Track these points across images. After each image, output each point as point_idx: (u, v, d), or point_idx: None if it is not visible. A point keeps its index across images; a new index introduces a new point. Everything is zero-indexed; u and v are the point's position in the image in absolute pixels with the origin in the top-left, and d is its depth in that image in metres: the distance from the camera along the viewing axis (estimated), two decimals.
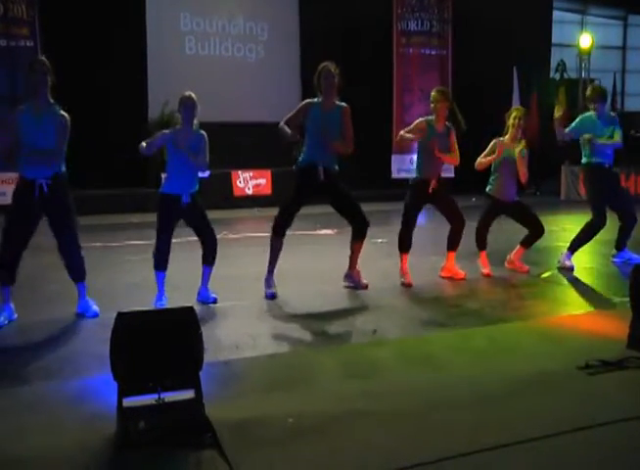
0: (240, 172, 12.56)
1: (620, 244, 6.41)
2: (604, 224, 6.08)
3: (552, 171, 13.73)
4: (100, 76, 11.42)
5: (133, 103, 12.07)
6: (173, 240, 4.90)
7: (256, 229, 8.94)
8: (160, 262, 4.85)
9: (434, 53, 14.39)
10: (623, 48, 20.10)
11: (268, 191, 12.58)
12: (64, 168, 4.58)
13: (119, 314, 2.72)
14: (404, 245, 5.69)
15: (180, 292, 5.02)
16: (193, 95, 4.87)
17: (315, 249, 7.50)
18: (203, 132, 4.93)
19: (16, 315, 4.58)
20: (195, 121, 4.89)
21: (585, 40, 15.76)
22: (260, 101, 13.24)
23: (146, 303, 4.69)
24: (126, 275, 6.04)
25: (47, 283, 5.73)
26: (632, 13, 19.49)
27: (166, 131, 4.89)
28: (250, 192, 12.66)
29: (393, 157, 13.89)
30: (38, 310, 4.83)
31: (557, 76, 16.58)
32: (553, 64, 16.73)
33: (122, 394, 2.64)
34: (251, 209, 12.08)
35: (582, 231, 6.18)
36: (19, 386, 3.37)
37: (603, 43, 18.13)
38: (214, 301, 5.00)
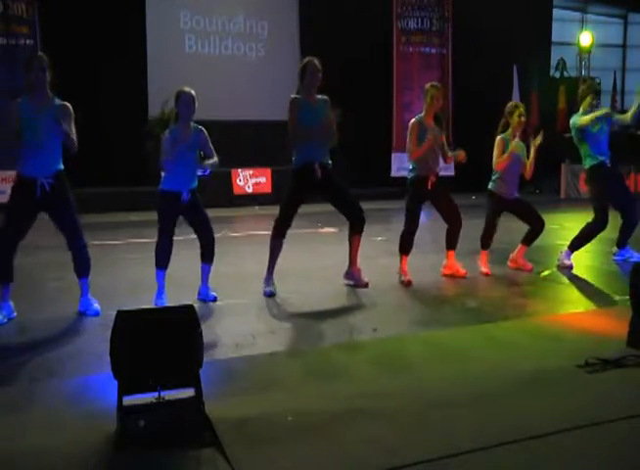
0: (240, 171, 12.56)
1: (622, 242, 6.40)
2: (605, 225, 6.06)
3: (552, 170, 13.74)
4: (100, 75, 11.42)
5: (133, 101, 12.06)
6: (175, 238, 4.90)
7: (256, 227, 8.95)
8: (162, 260, 4.84)
9: (434, 51, 14.39)
10: (624, 46, 20.08)
11: (268, 189, 12.58)
12: (62, 165, 4.56)
13: (119, 313, 2.72)
14: (405, 247, 5.67)
15: (180, 290, 5.02)
16: (191, 90, 4.81)
17: (317, 247, 7.50)
18: (201, 127, 4.92)
19: (15, 314, 4.58)
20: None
21: (585, 38, 15.75)
22: (260, 99, 13.24)
23: (146, 301, 4.70)
24: (126, 273, 6.05)
25: (47, 281, 5.73)
26: (632, 11, 19.46)
27: (166, 133, 4.83)
28: (250, 190, 12.66)
29: (393, 155, 13.90)
30: (38, 309, 4.83)
31: (557, 75, 16.57)
32: (553, 62, 16.71)
33: (122, 392, 2.64)
34: (252, 207, 12.09)
35: (583, 231, 6.17)
36: (18, 384, 3.37)
37: (603, 41, 18.11)
38: (214, 299, 5.00)
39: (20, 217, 4.46)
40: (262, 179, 12.66)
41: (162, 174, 4.85)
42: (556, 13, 17.18)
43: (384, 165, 13.81)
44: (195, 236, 5.05)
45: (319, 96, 5.24)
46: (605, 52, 18.46)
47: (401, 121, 13.97)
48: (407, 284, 5.54)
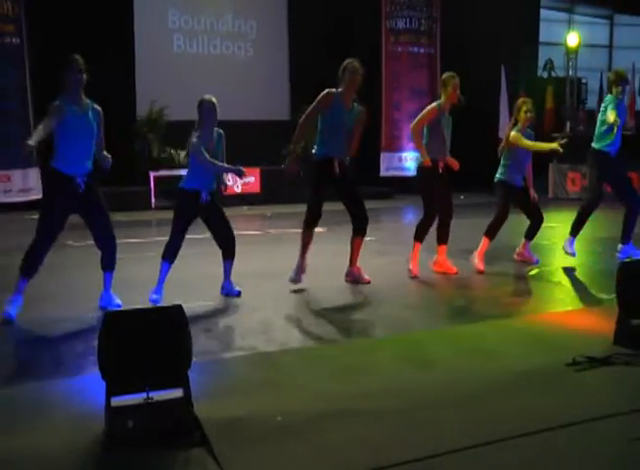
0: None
1: (626, 235, 6.38)
2: (598, 203, 6.25)
3: (540, 170, 13.81)
4: (87, 74, 11.34)
5: (121, 101, 11.97)
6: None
7: (246, 227, 8.92)
8: (170, 254, 4.91)
9: (422, 51, 14.41)
10: (610, 47, 20.23)
11: (257, 189, 12.53)
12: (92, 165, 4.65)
13: (107, 313, 2.72)
14: (420, 234, 5.78)
15: (180, 290, 5.01)
16: (212, 98, 4.99)
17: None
18: (221, 131, 5.10)
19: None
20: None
21: (572, 39, 15.84)
22: (249, 99, 13.20)
23: (136, 301, 4.67)
24: (117, 273, 6.00)
25: (43, 283, 5.68)
26: (618, 12, 19.61)
27: (196, 136, 4.93)
28: (238, 190, 12.62)
29: (382, 155, 13.91)
30: (33, 309, 4.78)
31: (545, 75, 16.66)
32: (541, 62, 16.80)
33: (110, 393, 2.63)
34: (240, 207, 12.07)
35: (578, 213, 6.35)
36: (8, 386, 3.34)
37: (589, 42, 18.23)
38: (238, 293, 5.07)
39: (58, 214, 4.50)
40: (251, 179, 12.61)
41: (185, 173, 5.01)
42: (543, 13, 17.26)
43: (372, 165, 13.82)
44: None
45: (356, 105, 5.33)
46: (592, 52, 18.57)
47: (390, 121, 13.99)
48: (413, 277, 5.65)
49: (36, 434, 2.72)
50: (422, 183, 5.78)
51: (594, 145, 6.38)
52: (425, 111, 5.75)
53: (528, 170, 6.26)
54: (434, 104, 5.77)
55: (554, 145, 6.11)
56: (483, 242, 6.04)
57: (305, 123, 5.35)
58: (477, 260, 5.98)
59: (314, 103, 5.31)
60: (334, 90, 5.29)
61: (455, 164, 5.75)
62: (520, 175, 6.15)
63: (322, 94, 5.28)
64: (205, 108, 4.93)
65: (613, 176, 6.31)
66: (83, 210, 4.63)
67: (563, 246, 6.42)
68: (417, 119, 5.75)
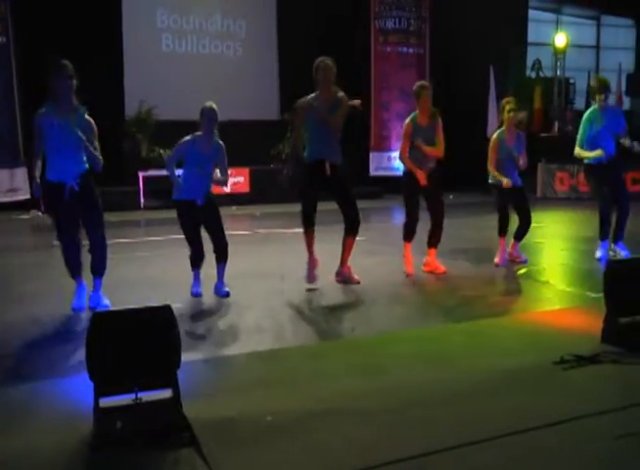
0: (217, 171, 12.48)
1: (616, 236, 6.47)
2: (610, 204, 6.34)
3: (528, 169, 13.87)
4: (77, 80, 11.27)
5: (109, 101, 11.92)
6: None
7: (234, 227, 8.91)
8: (196, 262, 5.10)
9: (411, 51, 14.44)
10: (597, 47, 20.36)
11: (246, 189, 12.51)
12: (87, 165, 4.65)
13: (95, 314, 2.71)
14: (406, 234, 5.85)
15: (171, 290, 4.99)
16: (213, 104, 5.07)
17: (293, 247, 7.48)
18: (221, 142, 5.11)
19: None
20: (215, 131, 5.13)
21: (560, 39, 15.93)
22: (238, 98, 13.15)
23: (127, 300, 4.64)
24: (108, 274, 5.97)
25: (23, 282, 5.65)
26: (604, 13, 19.75)
27: (187, 139, 5.01)
28: (227, 190, 12.60)
29: (371, 154, 13.93)
30: (23, 309, 4.76)
31: (533, 75, 16.75)
32: (529, 62, 16.89)
33: (99, 393, 2.62)
34: (229, 207, 12.04)
35: (599, 218, 6.45)
36: None
37: (577, 42, 18.34)
38: (227, 294, 5.09)
39: (64, 221, 4.56)
40: (240, 179, 12.59)
41: (175, 184, 5.05)
42: (531, 14, 17.35)
43: (361, 165, 13.83)
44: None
45: (336, 94, 5.32)
46: (579, 53, 18.69)
47: (379, 121, 14.01)
48: (408, 275, 5.70)
49: (25, 434, 2.71)
50: (403, 189, 5.86)
51: (585, 160, 6.47)
52: (403, 131, 5.80)
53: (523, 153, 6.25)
54: (407, 119, 5.80)
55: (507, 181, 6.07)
56: (500, 243, 6.17)
57: (297, 140, 5.46)
58: (496, 257, 6.14)
59: (295, 121, 5.37)
60: (306, 97, 5.30)
61: (422, 180, 5.69)
62: (514, 172, 6.17)
63: (296, 105, 5.33)
64: (205, 115, 5.03)
65: (609, 182, 6.36)
66: (80, 209, 4.64)
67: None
68: (401, 144, 5.81)
